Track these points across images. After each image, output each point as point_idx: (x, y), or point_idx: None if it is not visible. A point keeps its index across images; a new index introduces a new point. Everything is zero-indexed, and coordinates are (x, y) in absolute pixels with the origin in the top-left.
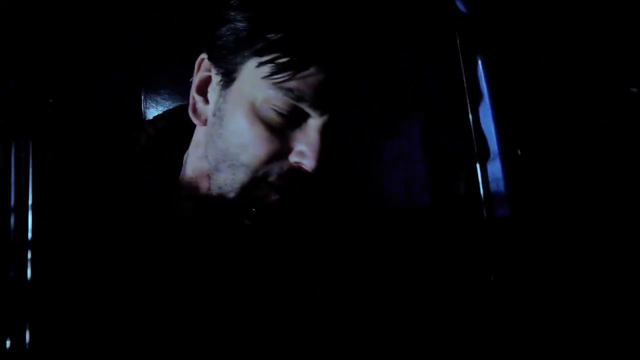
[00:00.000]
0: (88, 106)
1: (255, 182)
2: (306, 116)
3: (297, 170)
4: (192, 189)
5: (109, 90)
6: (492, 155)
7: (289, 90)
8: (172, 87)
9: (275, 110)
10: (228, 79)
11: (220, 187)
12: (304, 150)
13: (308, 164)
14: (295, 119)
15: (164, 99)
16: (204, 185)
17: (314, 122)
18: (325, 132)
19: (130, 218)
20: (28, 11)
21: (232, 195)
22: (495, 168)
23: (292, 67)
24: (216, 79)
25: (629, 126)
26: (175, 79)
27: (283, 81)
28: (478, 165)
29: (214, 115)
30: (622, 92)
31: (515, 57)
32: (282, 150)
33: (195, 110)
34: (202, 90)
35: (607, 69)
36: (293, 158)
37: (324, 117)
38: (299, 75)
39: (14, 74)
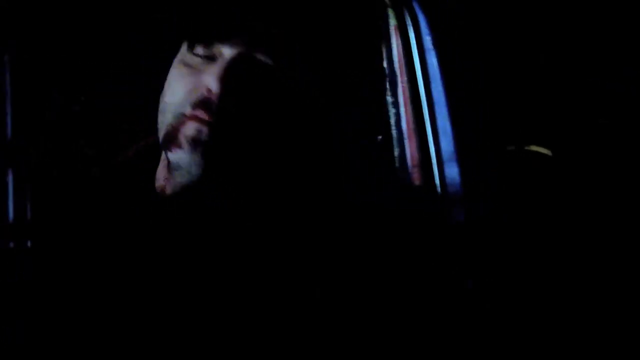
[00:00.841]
0: (87, 106)
1: (177, 117)
2: (221, 54)
3: (209, 99)
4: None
5: (108, 90)
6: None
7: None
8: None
9: (195, 55)
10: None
11: (158, 139)
12: (212, 77)
13: (213, 87)
14: (213, 58)
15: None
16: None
17: (225, 54)
18: (233, 60)
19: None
20: (27, 11)
21: (162, 137)
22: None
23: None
24: None
25: (629, 126)
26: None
27: (200, 26)
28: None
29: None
30: (622, 92)
31: (516, 57)
32: (198, 84)
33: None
34: None
35: (607, 69)
36: (204, 87)
37: (234, 48)
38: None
39: (13, 73)
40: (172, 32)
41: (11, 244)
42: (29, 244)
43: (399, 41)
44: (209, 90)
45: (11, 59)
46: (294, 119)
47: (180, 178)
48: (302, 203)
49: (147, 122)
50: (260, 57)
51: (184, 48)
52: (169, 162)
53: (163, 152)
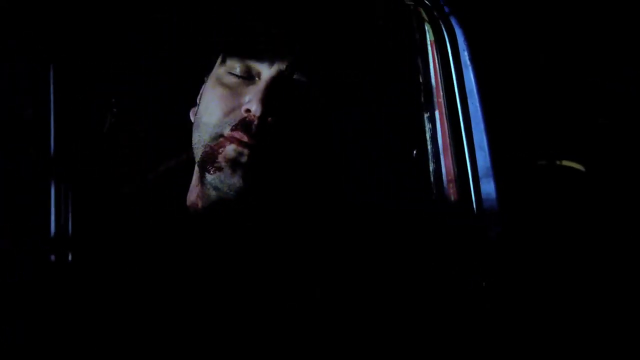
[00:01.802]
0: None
1: (214, 138)
2: (259, 74)
3: (248, 121)
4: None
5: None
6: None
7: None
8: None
9: (232, 74)
10: (209, 72)
11: (193, 155)
12: (251, 98)
13: (253, 108)
14: (250, 78)
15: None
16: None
17: (264, 75)
18: (272, 81)
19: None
20: (27, 11)
21: (199, 156)
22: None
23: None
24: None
25: (629, 126)
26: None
27: (238, 45)
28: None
29: (198, 102)
30: (622, 92)
31: (515, 58)
32: (236, 105)
33: (194, 113)
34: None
35: (607, 69)
36: (243, 108)
37: (273, 69)
38: (249, 37)
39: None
40: (172, 32)
41: (53, 257)
42: (69, 256)
43: (436, 56)
44: (248, 111)
45: (55, 70)
46: (306, 126)
47: (215, 197)
48: (303, 203)
49: (147, 122)
50: (297, 76)
51: (218, 66)
52: (204, 181)
53: (197, 171)
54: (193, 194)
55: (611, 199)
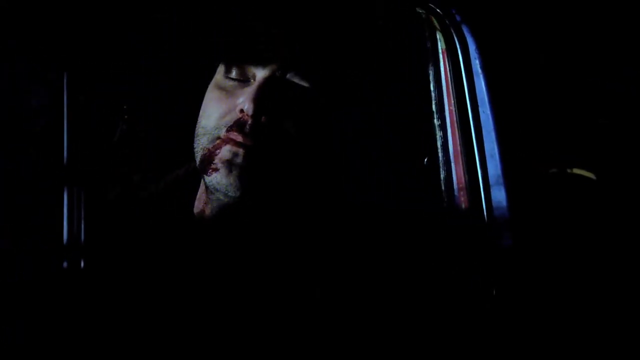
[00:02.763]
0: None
1: (212, 140)
2: (254, 76)
3: (242, 121)
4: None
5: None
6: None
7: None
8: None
9: (229, 78)
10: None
11: (194, 161)
12: (245, 99)
13: (246, 107)
14: (246, 80)
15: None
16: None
17: (258, 76)
18: (266, 82)
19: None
20: (27, 10)
21: (198, 159)
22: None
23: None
24: None
25: (629, 126)
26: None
27: (237, 46)
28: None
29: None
30: (622, 92)
31: (526, 65)
32: (232, 107)
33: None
34: None
35: (607, 69)
36: (237, 109)
37: (266, 70)
38: (249, 37)
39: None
40: (172, 32)
41: (65, 264)
42: (82, 264)
43: (448, 64)
44: (242, 111)
45: (69, 78)
46: (304, 126)
47: (218, 201)
48: (302, 203)
49: (147, 122)
50: (291, 77)
51: (219, 73)
52: (206, 185)
53: (202, 177)
54: (200, 202)
55: (617, 203)
